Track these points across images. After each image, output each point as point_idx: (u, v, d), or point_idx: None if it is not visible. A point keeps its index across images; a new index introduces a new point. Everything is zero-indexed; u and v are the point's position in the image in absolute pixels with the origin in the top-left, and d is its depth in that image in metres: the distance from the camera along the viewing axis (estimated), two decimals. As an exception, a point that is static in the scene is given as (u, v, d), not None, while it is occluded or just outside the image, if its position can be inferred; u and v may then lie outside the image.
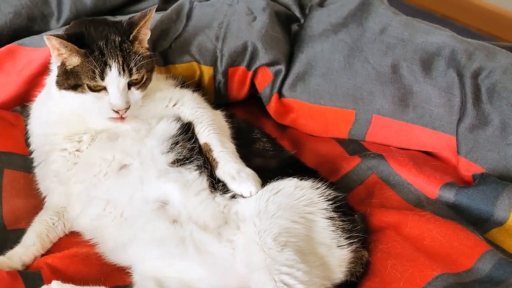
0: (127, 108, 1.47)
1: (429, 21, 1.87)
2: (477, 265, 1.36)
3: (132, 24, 1.52)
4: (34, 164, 1.61)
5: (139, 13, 1.55)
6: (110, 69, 1.44)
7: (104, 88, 1.46)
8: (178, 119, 1.56)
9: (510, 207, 1.48)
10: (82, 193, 1.50)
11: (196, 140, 1.54)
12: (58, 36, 1.43)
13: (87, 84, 1.45)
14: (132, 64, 1.46)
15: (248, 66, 1.86)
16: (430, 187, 1.59)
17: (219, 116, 1.63)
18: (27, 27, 1.96)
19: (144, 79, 1.51)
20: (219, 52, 1.85)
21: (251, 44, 1.83)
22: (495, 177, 1.56)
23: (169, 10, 1.91)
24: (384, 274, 1.39)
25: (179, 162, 1.48)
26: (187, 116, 1.57)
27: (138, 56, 1.48)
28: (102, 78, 1.44)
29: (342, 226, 1.40)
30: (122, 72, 1.45)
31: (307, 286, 1.29)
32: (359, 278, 1.41)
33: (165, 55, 1.86)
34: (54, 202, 1.58)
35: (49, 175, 1.56)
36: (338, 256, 1.38)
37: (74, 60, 1.45)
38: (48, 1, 1.98)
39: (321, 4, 1.94)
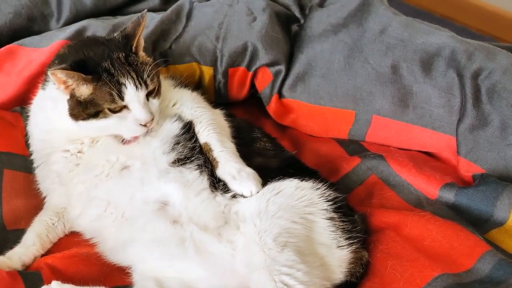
0: (152, 119, 1.47)
1: (429, 21, 1.87)
2: (477, 266, 1.36)
3: (129, 36, 1.49)
4: (35, 165, 1.60)
5: (130, 23, 1.52)
6: (126, 87, 1.42)
7: (125, 107, 1.44)
8: (180, 118, 1.56)
9: (510, 207, 1.48)
10: (83, 193, 1.50)
11: (197, 139, 1.54)
12: (63, 68, 1.38)
13: (108, 108, 1.43)
14: (145, 76, 1.45)
15: (248, 67, 1.86)
16: (430, 187, 1.59)
17: (218, 115, 1.63)
18: (27, 27, 1.96)
19: (158, 86, 1.50)
20: (219, 52, 1.85)
21: (251, 45, 1.83)
22: (495, 178, 1.56)
23: (169, 11, 1.91)
24: (384, 274, 1.39)
25: (180, 161, 1.48)
26: (187, 116, 1.57)
27: (147, 66, 1.46)
28: (122, 98, 1.42)
29: (342, 227, 1.40)
30: (139, 87, 1.43)
31: (307, 286, 1.29)
32: (359, 279, 1.41)
33: (165, 55, 1.86)
34: (54, 202, 1.58)
35: (50, 175, 1.56)
36: (338, 256, 1.38)
37: (84, 89, 1.42)
38: (48, 2, 1.98)
39: (321, 5, 1.94)
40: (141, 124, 1.45)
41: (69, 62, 1.42)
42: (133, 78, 1.43)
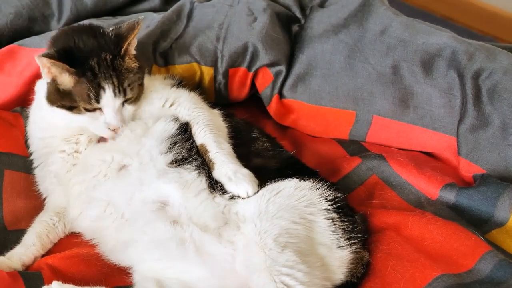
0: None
1: (429, 22, 1.87)
2: (477, 266, 1.36)
3: (121, 37, 1.49)
4: (34, 165, 1.61)
5: (126, 24, 1.52)
6: (105, 92, 1.43)
7: (99, 109, 1.46)
8: (176, 119, 1.56)
9: (511, 208, 1.48)
10: (82, 194, 1.50)
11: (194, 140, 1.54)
12: (49, 56, 1.40)
13: (83, 107, 1.45)
14: (126, 85, 1.46)
15: (249, 67, 1.86)
16: (430, 188, 1.59)
17: (216, 115, 1.63)
18: (27, 27, 1.96)
19: (137, 94, 1.51)
20: (219, 52, 1.85)
21: (251, 45, 1.83)
22: (496, 178, 1.56)
23: (169, 11, 1.91)
24: (385, 274, 1.39)
25: (177, 162, 1.48)
26: (184, 116, 1.57)
27: (130, 74, 1.47)
28: (98, 101, 1.44)
29: (342, 227, 1.40)
30: (117, 94, 1.45)
31: (308, 287, 1.29)
32: (359, 279, 1.41)
33: (165, 55, 1.86)
34: (55, 203, 1.58)
35: (48, 176, 1.56)
36: (339, 256, 1.38)
37: (65, 79, 1.43)
38: (49, 2, 1.98)
39: (321, 5, 1.94)
40: (109, 128, 1.47)
41: (58, 47, 1.44)
42: (114, 84, 1.44)
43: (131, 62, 1.50)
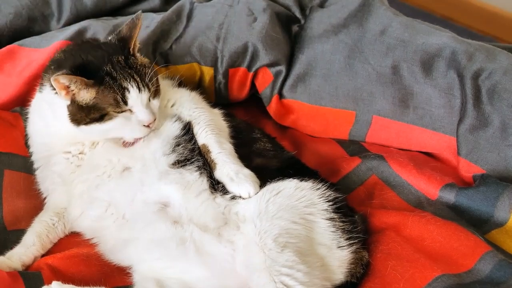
0: (155, 119, 1.47)
1: (429, 22, 1.87)
2: (477, 266, 1.36)
3: (125, 39, 1.49)
4: (35, 166, 1.61)
5: (125, 26, 1.51)
6: (129, 91, 1.42)
7: (129, 109, 1.45)
8: (179, 118, 1.56)
9: (511, 208, 1.48)
10: (84, 193, 1.50)
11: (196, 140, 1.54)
12: (64, 73, 1.36)
13: (112, 111, 1.43)
14: (147, 80, 1.45)
15: (249, 67, 1.86)
16: (430, 188, 1.59)
17: (217, 115, 1.63)
18: (27, 27, 1.96)
19: (157, 87, 1.50)
20: (219, 52, 1.85)
21: (251, 45, 1.83)
22: (496, 178, 1.56)
23: (169, 11, 1.91)
24: (385, 275, 1.39)
25: (180, 163, 1.48)
26: (185, 116, 1.57)
27: (147, 69, 1.47)
28: (126, 103, 1.43)
29: (342, 227, 1.40)
30: (142, 89, 1.44)
31: (307, 287, 1.29)
32: (359, 279, 1.41)
33: (165, 56, 1.86)
34: (55, 203, 1.58)
35: (50, 176, 1.56)
36: (338, 257, 1.38)
37: (84, 94, 1.41)
38: (49, 2, 1.98)
39: (321, 5, 1.94)
40: (144, 125, 1.46)
41: (68, 66, 1.40)
42: (136, 81, 1.43)
43: (142, 58, 1.51)
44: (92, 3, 1.99)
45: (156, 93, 1.50)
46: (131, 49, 1.48)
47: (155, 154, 1.49)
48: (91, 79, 1.39)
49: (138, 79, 1.43)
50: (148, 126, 1.47)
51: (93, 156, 1.52)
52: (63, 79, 1.37)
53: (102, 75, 1.41)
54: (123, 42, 1.49)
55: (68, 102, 1.43)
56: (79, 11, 1.99)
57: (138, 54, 1.52)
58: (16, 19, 1.94)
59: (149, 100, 1.47)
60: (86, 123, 1.43)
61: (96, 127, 1.44)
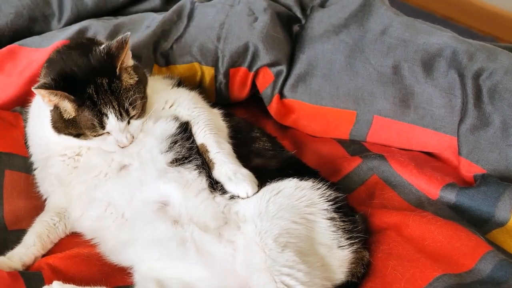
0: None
1: (430, 22, 1.87)
2: (478, 266, 1.36)
3: (113, 57, 1.45)
4: (34, 167, 1.61)
5: (115, 42, 1.46)
6: (108, 117, 1.42)
7: (107, 132, 1.45)
8: (176, 118, 1.56)
9: (511, 208, 1.48)
10: (82, 194, 1.50)
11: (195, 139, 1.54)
12: (46, 87, 1.38)
13: (89, 134, 1.44)
14: (127, 105, 1.44)
15: (249, 67, 1.86)
16: (431, 187, 1.59)
17: (216, 115, 1.63)
18: (28, 27, 1.96)
19: (142, 107, 1.49)
20: (220, 52, 1.85)
21: (252, 45, 1.83)
22: (496, 178, 1.56)
23: (170, 11, 1.91)
24: (385, 274, 1.39)
25: (178, 161, 1.48)
26: (184, 116, 1.57)
27: (130, 92, 1.45)
28: (103, 128, 1.43)
29: (343, 227, 1.40)
30: (120, 117, 1.43)
31: (308, 287, 1.29)
32: (360, 279, 1.41)
33: (166, 55, 1.86)
34: (55, 203, 1.57)
35: (48, 178, 1.56)
36: (339, 256, 1.38)
37: (67, 105, 1.42)
38: (49, 2, 1.98)
39: (322, 5, 1.94)
40: (119, 145, 1.48)
41: (53, 74, 1.41)
42: (114, 108, 1.42)
43: (128, 79, 1.48)
44: (93, 3, 1.99)
45: (140, 115, 1.49)
46: (117, 70, 1.45)
47: (152, 152, 1.49)
48: (74, 93, 1.40)
49: (116, 106, 1.43)
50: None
51: (89, 157, 1.52)
52: (44, 92, 1.39)
53: (84, 97, 1.41)
54: (111, 60, 1.45)
55: (51, 108, 1.45)
56: (79, 11, 1.99)
57: (126, 74, 1.48)
58: (17, 19, 1.94)
59: (129, 122, 1.47)
60: (65, 134, 1.46)
61: (74, 141, 1.47)
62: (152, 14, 1.95)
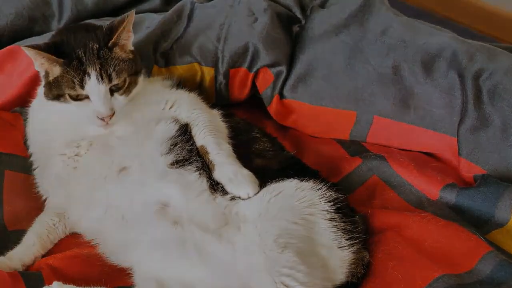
0: (112, 114, 1.47)
1: (430, 22, 1.88)
2: (478, 267, 1.36)
3: (112, 29, 1.49)
4: (34, 167, 1.61)
5: (119, 17, 1.52)
6: (89, 77, 1.43)
7: (87, 97, 1.45)
8: (176, 120, 1.56)
9: (511, 208, 1.48)
10: (82, 196, 1.50)
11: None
12: (34, 47, 1.42)
13: (68, 94, 1.45)
14: (110, 70, 1.45)
15: (249, 67, 1.86)
16: (431, 188, 1.59)
17: (216, 116, 1.63)
18: (28, 28, 1.96)
19: (127, 84, 1.50)
20: (220, 53, 1.85)
21: (252, 45, 1.83)
22: (496, 179, 1.56)
23: (170, 11, 1.91)
24: (385, 275, 1.39)
25: (178, 163, 1.48)
26: (184, 118, 1.57)
27: (117, 61, 1.47)
28: (82, 87, 1.43)
29: (343, 227, 1.40)
30: (101, 80, 1.44)
31: (308, 287, 1.29)
32: (360, 279, 1.41)
33: (166, 56, 1.86)
34: (55, 204, 1.58)
35: (48, 178, 1.56)
36: (339, 257, 1.38)
37: (55, 70, 1.45)
38: (49, 2, 1.98)
39: (322, 5, 1.94)
40: (99, 118, 1.46)
41: (49, 41, 1.48)
42: (96, 70, 1.43)
43: (120, 53, 1.50)
44: (93, 3, 2.00)
45: (125, 90, 1.49)
46: (110, 42, 1.47)
47: (152, 154, 1.49)
48: (63, 57, 1.43)
49: (98, 68, 1.44)
50: (103, 119, 1.46)
51: (88, 159, 1.52)
52: (31, 51, 1.43)
53: (73, 57, 1.44)
54: (109, 32, 1.49)
55: (43, 73, 1.49)
56: (79, 11, 1.99)
57: (122, 50, 1.50)
58: (16, 19, 1.95)
59: (113, 94, 1.47)
60: (50, 99, 1.48)
61: (56, 105, 1.48)
62: (152, 15, 1.96)
